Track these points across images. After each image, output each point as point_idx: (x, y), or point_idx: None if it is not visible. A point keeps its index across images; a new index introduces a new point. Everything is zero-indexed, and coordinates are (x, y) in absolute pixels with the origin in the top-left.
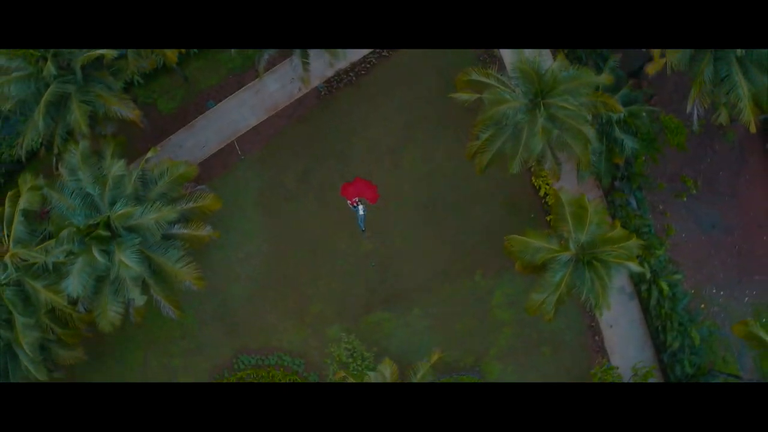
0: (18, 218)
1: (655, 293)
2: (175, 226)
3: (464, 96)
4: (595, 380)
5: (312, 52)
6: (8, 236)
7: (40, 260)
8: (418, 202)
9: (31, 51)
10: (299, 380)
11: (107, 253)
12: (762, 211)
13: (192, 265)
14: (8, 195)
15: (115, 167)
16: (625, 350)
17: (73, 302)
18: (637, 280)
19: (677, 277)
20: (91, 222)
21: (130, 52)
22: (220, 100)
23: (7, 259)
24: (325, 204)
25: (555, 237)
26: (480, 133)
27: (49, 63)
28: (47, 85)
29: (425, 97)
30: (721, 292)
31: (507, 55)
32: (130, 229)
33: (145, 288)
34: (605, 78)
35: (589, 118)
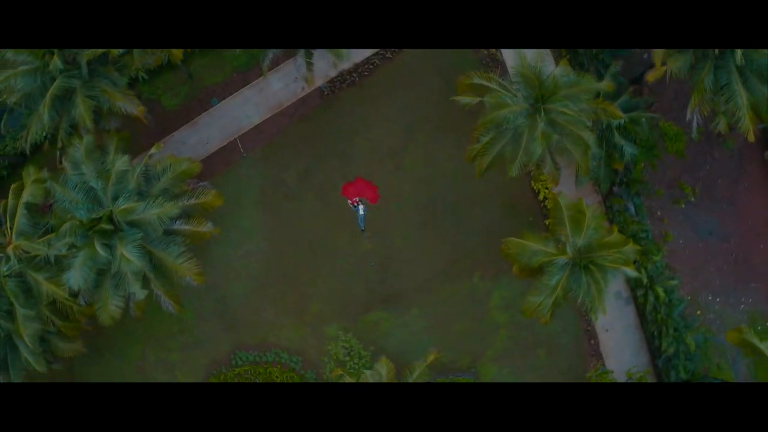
0: (21, 211)
1: (651, 299)
2: (177, 221)
3: (466, 99)
4: None
5: (316, 53)
6: (11, 228)
7: (43, 253)
8: (418, 203)
9: None
10: (296, 377)
11: (109, 247)
12: (760, 219)
13: (192, 261)
14: (12, 187)
15: (119, 162)
16: (621, 355)
17: (74, 295)
18: (633, 285)
19: (673, 283)
20: (94, 216)
21: (136, 49)
22: (224, 98)
23: (9, 250)
24: (326, 203)
25: (552, 240)
26: (480, 136)
27: (55, 57)
28: (53, 79)
29: (427, 99)
30: (717, 299)
31: (509, 59)
32: (133, 224)
33: (145, 282)
34: (606, 85)
35: (589, 123)
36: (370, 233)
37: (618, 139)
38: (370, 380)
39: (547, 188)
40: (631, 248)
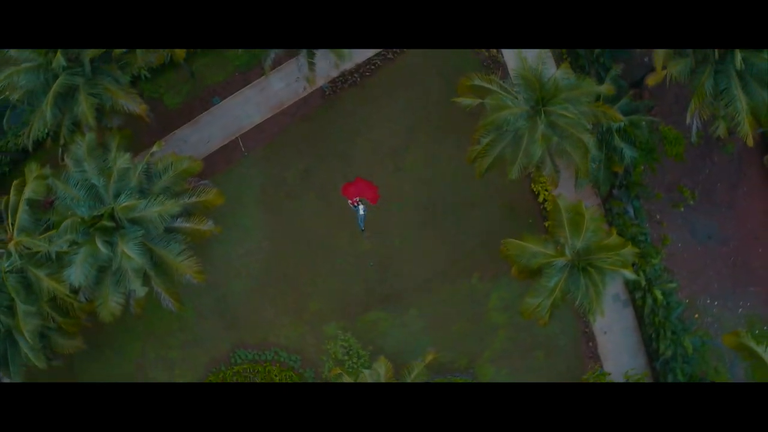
0: (23, 207)
1: (649, 301)
2: (178, 219)
3: (467, 101)
4: None
5: (318, 53)
6: (12, 224)
7: (44, 249)
8: (418, 204)
9: None
10: (295, 376)
11: (110, 244)
12: (758, 223)
13: (193, 258)
14: (14, 184)
15: (121, 160)
16: (618, 357)
17: (75, 291)
18: (632, 287)
19: (672, 286)
20: (95, 213)
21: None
22: (226, 97)
23: (11, 246)
24: (327, 203)
25: (551, 242)
26: (481, 137)
27: (58, 55)
28: (56, 77)
29: (428, 100)
30: (715, 303)
31: (510, 61)
32: (134, 221)
33: (146, 280)
34: (606, 88)
35: (589, 126)
36: (370, 233)
37: (618, 141)
38: (369, 379)
39: (546, 190)
40: (629, 251)
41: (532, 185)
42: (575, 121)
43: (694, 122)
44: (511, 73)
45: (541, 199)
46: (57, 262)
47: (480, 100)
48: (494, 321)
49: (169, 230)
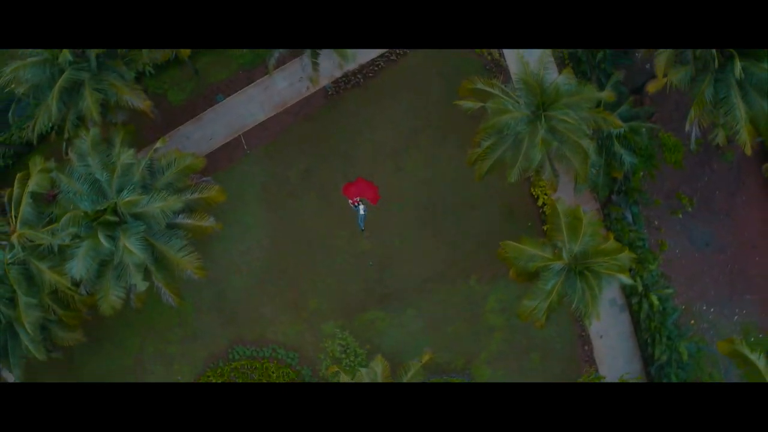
0: (26, 200)
1: (645, 306)
2: (180, 215)
3: (468, 104)
4: None
5: (322, 53)
6: (16, 217)
7: (47, 242)
8: (419, 205)
9: None
10: (292, 373)
11: (112, 239)
12: (756, 231)
13: (194, 254)
14: (17, 176)
15: (124, 155)
16: (614, 361)
17: (76, 284)
18: (628, 292)
19: (668, 291)
20: (99, 207)
21: None
22: (229, 95)
23: (14, 238)
24: (327, 202)
25: (549, 246)
26: (482, 140)
27: (65, 50)
28: (62, 72)
29: (431, 102)
30: (712, 309)
31: (513, 65)
32: (136, 217)
33: (147, 275)
34: (606, 94)
35: (589, 132)
36: (370, 233)
37: (617, 147)
38: (366, 378)
39: (546, 194)
40: (626, 256)
41: (532, 189)
42: (575, 126)
43: (693, 130)
44: (513, 77)
45: (540, 202)
46: (59, 255)
47: (481, 104)
48: (491, 323)
49: (170, 226)
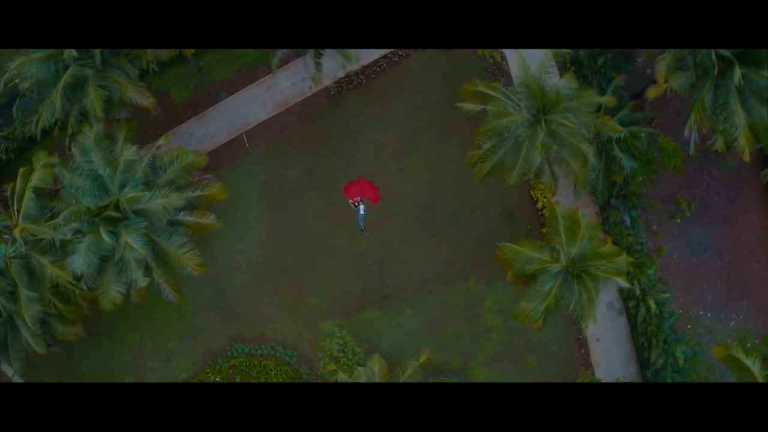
0: (29, 194)
1: (642, 310)
2: (181, 212)
3: (469, 106)
4: None
5: (325, 53)
6: (18, 211)
7: (49, 236)
8: (419, 206)
9: None
10: (290, 371)
11: (114, 234)
12: (754, 237)
13: (194, 251)
14: (20, 171)
15: (127, 152)
16: (610, 364)
17: (77, 279)
18: (626, 296)
19: (665, 296)
20: (101, 203)
21: None
22: (232, 93)
23: (16, 232)
24: (328, 201)
25: (547, 249)
26: (482, 143)
27: None
28: (66, 68)
29: (432, 104)
30: (708, 314)
31: (514, 68)
32: (138, 213)
33: (147, 270)
34: (607, 99)
35: (589, 136)
36: (370, 233)
37: (617, 152)
38: (363, 376)
39: (545, 197)
40: (623, 259)
41: (531, 192)
42: (575, 130)
43: (693, 135)
44: (515, 80)
45: (539, 205)
46: (61, 250)
47: (482, 106)
48: (489, 324)
49: (172, 223)
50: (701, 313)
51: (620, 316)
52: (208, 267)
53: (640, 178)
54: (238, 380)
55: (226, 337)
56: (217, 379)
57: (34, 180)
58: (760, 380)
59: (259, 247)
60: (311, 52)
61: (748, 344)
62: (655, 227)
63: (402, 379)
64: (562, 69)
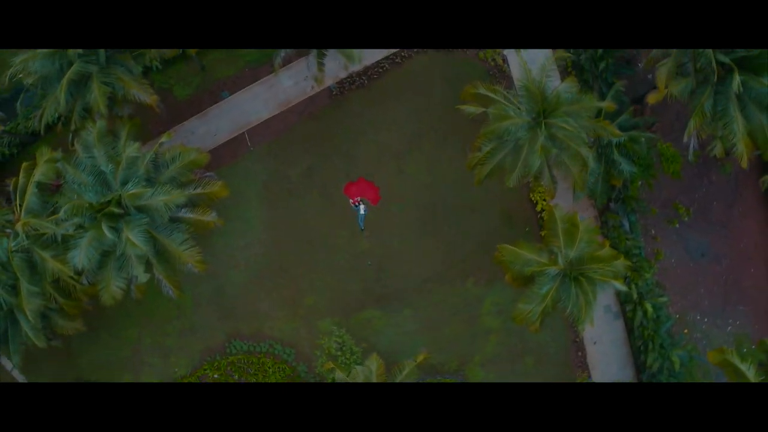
0: (32, 189)
1: (639, 314)
2: (182, 209)
3: (471, 108)
4: None
5: (328, 54)
6: (20, 206)
7: (51, 231)
8: (419, 207)
9: None
10: (288, 369)
11: (116, 230)
12: (752, 243)
13: (195, 248)
14: (23, 166)
15: (130, 148)
16: (607, 367)
17: (78, 274)
18: (623, 299)
19: (663, 300)
20: (104, 199)
21: None
22: (235, 92)
23: (18, 227)
24: (329, 201)
25: (545, 251)
26: (482, 145)
27: None
28: (70, 64)
29: (434, 105)
30: (705, 319)
31: (516, 71)
32: (140, 209)
33: (148, 266)
34: (606, 104)
35: (589, 140)
36: (370, 233)
37: (617, 156)
38: (360, 375)
39: (544, 200)
40: (621, 263)
41: (531, 194)
42: (575, 134)
43: (692, 141)
44: (516, 83)
45: (539, 208)
46: (62, 245)
47: (483, 109)
48: (487, 325)
49: (173, 219)
50: (698, 317)
51: (617, 320)
52: (208, 264)
53: (639, 182)
54: (236, 377)
55: (225, 335)
56: (215, 376)
57: (37, 175)
58: None
59: (259, 245)
60: (314, 52)
61: (744, 350)
62: (653, 232)
63: (399, 379)
64: (564, 73)
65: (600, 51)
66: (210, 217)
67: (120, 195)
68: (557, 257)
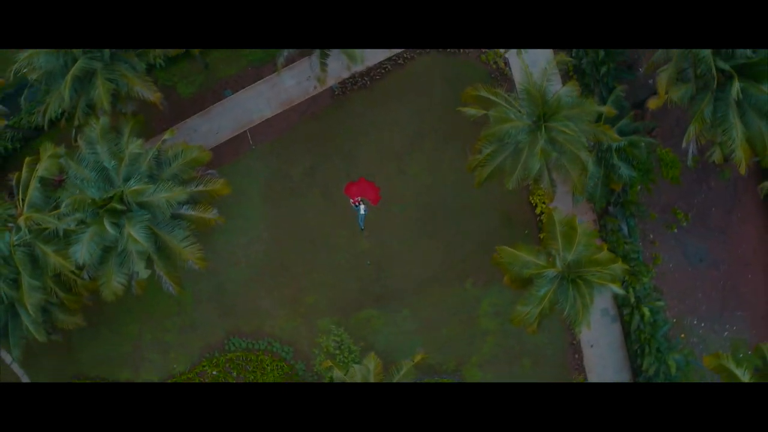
0: (35, 184)
1: (636, 318)
2: (184, 206)
3: (472, 111)
4: None
5: (331, 54)
6: (23, 200)
7: (53, 226)
8: (419, 208)
9: None
10: (286, 367)
11: (118, 226)
12: (750, 249)
13: (196, 245)
14: (26, 161)
15: (133, 145)
16: (603, 370)
17: (79, 269)
18: (621, 303)
19: (660, 304)
20: (106, 195)
21: None
22: (238, 90)
23: (21, 221)
24: (329, 200)
25: (544, 254)
26: (483, 147)
27: None
28: (75, 60)
29: (435, 107)
30: (702, 324)
31: (517, 74)
32: (142, 205)
33: (149, 263)
34: (606, 109)
35: (588, 144)
36: (369, 233)
37: (616, 160)
38: (358, 374)
39: (544, 203)
40: (619, 266)
41: (530, 197)
42: (574, 138)
43: (691, 147)
44: (517, 86)
45: (538, 211)
46: (64, 240)
47: (484, 111)
48: (484, 326)
49: (174, 216)
50: (695, 322)
51: (614, 323)
52: (208, 261)
53: (639, 187)
54: (234, 374)
55: (224, 332)
56: (214, 373)
57: (41, 170)
58: None
59: (259, 243)
60: (317, 52)
61: (741, 355)
62: (652, 236)
63: (396, 379)
64: (565, 77)
65: (602, 55)
66: (211, 214)
67: (122, 191)
68: (555, 260)
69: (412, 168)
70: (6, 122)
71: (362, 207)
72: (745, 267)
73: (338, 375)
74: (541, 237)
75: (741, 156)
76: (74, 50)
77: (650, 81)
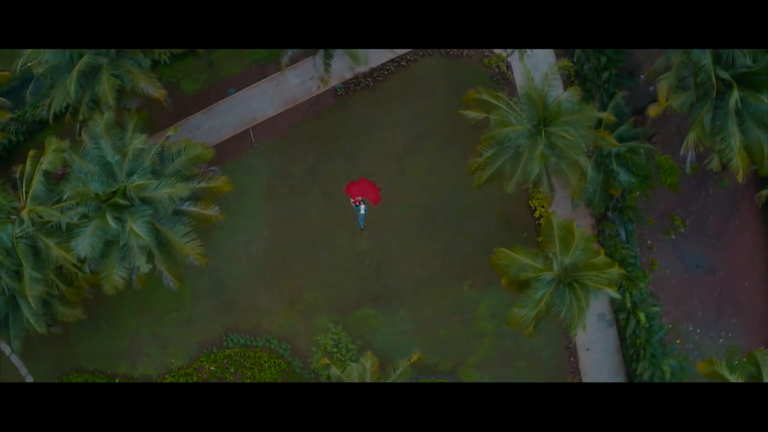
0: (39, 177)
1: (632, 323)
2: (186, 203)
3: (473, 114)
4: None
5: (334, 54)
6: (26, 193)
7: (55, 219)
8: (418, 209)
9: None
10: (284, 364)
11: (120, 221)
12: (747, 256)
13: (196, 241)
14: (30, 154)
15: (136, 141)
16: (598, 374)
17: (81, 262)
18: (617, 308)
19: (656, 309)
20: (110, 189)
21: None
22: (241, 88)
23: (24, 213)
24: (330, 200)
25: (541, 257)
26: (483, 150)
27: None
28: (81, 55)
29: (437, 109)
30: (698, 330)
31: (518, 78)
32: (144, 201)
33: (150, 257)
34: (606, 115)
35: (588, 150)
36: (369, 233)
37: (615, 166)
38: (355, 372)
39: (543, 206)
40: (615, 271)
41: (529, 201)
42: (574, 143)
43: (689, 154)
44: (519, 91)
45: (537, 214)
46: (67, 233)
47: (485, 115)
48: (481, 328)
49: (176, 212)
50: (691, 328)
51: (610, 328)
52: (209, 258)
53: (637, 192)
54: (232, 370)
55: (222, 328)
56: (212, 369)
57: (45, 163)
58: None
59: (260, 240)
60: (321, 52)
61: (735, 362)
62: (649, 242)
63: (392, 378)
64: (566, 82)
65: (603, 61)
66: (213, 211)
67: (125, 186)
68: (552, 263)
69: (412, 169)
70: (11, 115)
71: (362, 207)
72: (742, 274)
73: (335, 373)
74: (539, 240)
75: (739, 164)
76: None
77: (651, 88)
